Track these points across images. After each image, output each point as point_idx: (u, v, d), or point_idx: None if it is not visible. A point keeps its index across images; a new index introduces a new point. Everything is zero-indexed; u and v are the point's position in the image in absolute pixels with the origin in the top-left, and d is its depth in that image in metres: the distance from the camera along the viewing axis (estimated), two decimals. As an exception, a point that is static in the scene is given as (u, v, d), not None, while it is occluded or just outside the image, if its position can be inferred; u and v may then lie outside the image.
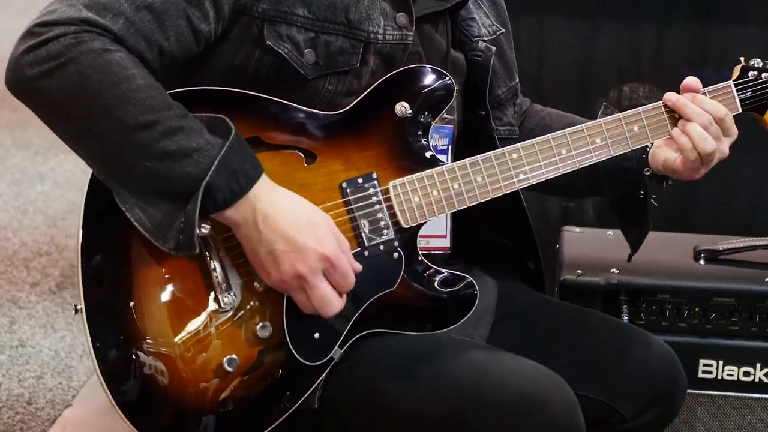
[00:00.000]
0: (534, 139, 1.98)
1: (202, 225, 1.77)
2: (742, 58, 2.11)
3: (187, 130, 1.76)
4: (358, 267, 1.84)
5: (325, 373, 1.89)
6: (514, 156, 1.96)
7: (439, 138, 2.05)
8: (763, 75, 2.09)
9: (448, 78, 1.96)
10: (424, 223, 1.93)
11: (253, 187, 1.77)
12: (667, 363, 2.10)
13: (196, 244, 1.74)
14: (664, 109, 2.04)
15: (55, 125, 1.80)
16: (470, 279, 1.96)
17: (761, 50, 2.16)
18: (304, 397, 1.87)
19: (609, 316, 2.25)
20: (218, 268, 1.81)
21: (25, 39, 1.77)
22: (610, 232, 2.74)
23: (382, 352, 1.91)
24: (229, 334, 1.82)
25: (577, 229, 2.83)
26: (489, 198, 1.95)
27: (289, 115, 1.89)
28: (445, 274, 1.96)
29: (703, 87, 2.06)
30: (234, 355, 1.82)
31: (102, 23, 1.76)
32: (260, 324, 1.84)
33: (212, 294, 1.82)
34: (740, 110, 2.08)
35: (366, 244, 1.89)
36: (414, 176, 1.92)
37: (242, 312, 1.83)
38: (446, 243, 2.11)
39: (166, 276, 1.80)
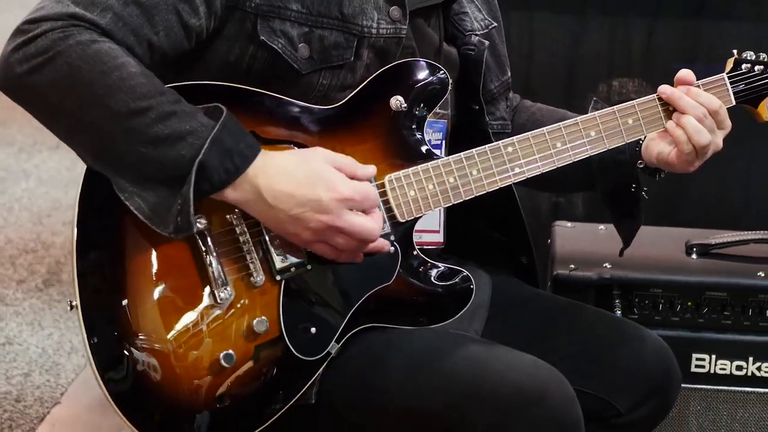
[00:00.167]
0: (529, 133, 1.97)
1: (198, 220, 1.76)
2: (735, 51, 2.11)
3: (180, 114, 1.75)
4: (371, 172, 1.86)
5: (321, 368, 1.88)
6: (510, 149, 1.96)
7: (432, 133, 2.04)
8: (756, 67, 2.10)
9: (442, 71, 1.95)
10: (420, 217, 1.93)
11: (250, 166, 1.76)
12: (661, 357, 2.10)
13: (194, 223, 1.73)
14: (658, 102, 2.04)
15: (48, 120, 1.79)
16: (466, 273, 1.96)
17: (752, 46, 2.15)
18: (300, 393, 1.86)
19: (603, 311, 2.25)
20: (214, 263, 1.80)
21: (14, 37, 1.77)
22: (602, 226, 2.74)
23: (380, 346, 1.90)
24: (225, 329, 1.82)
25: (569, 224, 2.82)
26: (484, 192, 1.95)
27: (285, 110, 1.88)
28: (442, 268, 1.95)
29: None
30: (230, 351, 1.81)
31: (89, 17, 1.76)
32: (256, 319, 1.83)
33: (208, 289, 1.81)
34: (734, 103, 2.08)
35: (363, 238, 1.89)
36: (410, 170, 1.91)
37: (238, 307, 1.82)
38: (440, 238, 2.11)
39: (162, 271, 1.79)
